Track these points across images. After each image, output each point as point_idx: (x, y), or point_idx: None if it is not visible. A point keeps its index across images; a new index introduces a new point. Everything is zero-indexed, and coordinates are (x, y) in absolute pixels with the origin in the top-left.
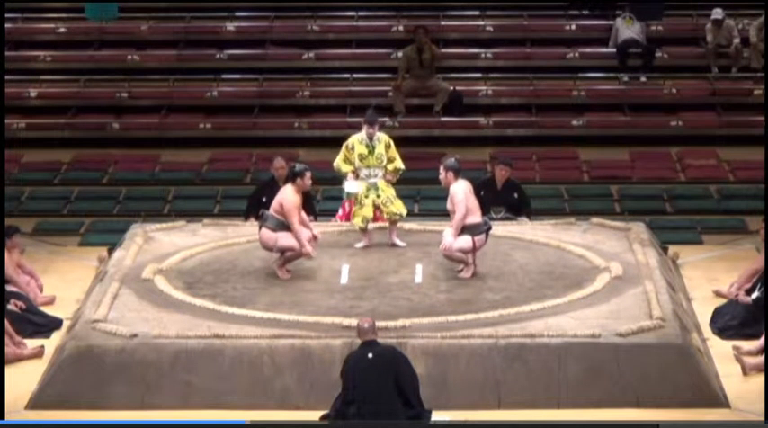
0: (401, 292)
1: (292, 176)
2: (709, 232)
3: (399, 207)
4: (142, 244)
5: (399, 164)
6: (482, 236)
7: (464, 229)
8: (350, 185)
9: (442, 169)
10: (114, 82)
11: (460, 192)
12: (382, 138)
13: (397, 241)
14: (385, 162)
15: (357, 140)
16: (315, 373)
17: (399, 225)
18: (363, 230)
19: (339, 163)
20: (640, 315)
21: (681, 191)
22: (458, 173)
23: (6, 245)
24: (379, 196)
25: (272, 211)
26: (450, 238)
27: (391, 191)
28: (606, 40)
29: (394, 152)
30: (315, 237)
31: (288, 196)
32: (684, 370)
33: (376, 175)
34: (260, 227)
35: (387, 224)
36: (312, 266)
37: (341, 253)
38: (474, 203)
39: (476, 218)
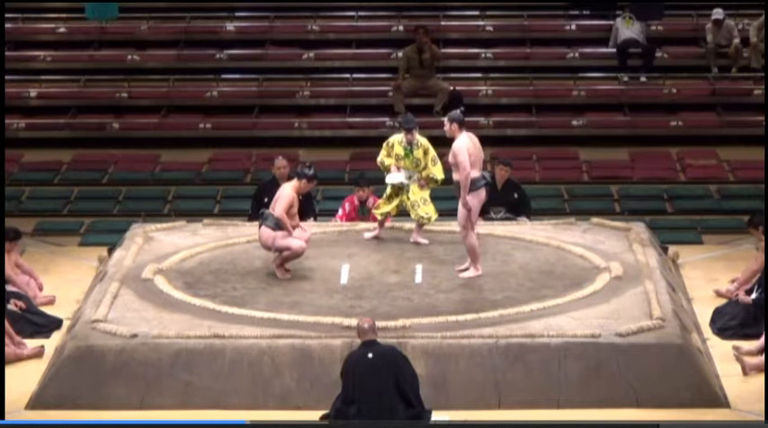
0: (401, 292)
1: (299, 175)
2: (709, 232)
3: (428, 210)
4: (142, 244)
5: (434, 173)
6: (480, 191)
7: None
8: (392, 177)
9: (446, 120)
10: (114, 82)
11: (464, 150)
12: (421, 143)
13: (420, 239)
14: (422, 166)
15: (397, 141)
16: (315, 373)
17: (400, 224)
18: (381, 223)
19: (382, 158)
20: (640, 315)
21: (681, 191)
22: (462, 124)
23: (6, 246)
24: (409, 198)
25: (270, 210)
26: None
27: (421, 194)
28: (606, 40)
29: (430, 159)
30: (303, 229)
31: (285, 191)
32: (684, 370)
33: (410, 178)
34: (260, 226)
35: (389, 224)
36: (312, 266)
37: (341, 253)
38: (476, 157)
39: (474, 172)
